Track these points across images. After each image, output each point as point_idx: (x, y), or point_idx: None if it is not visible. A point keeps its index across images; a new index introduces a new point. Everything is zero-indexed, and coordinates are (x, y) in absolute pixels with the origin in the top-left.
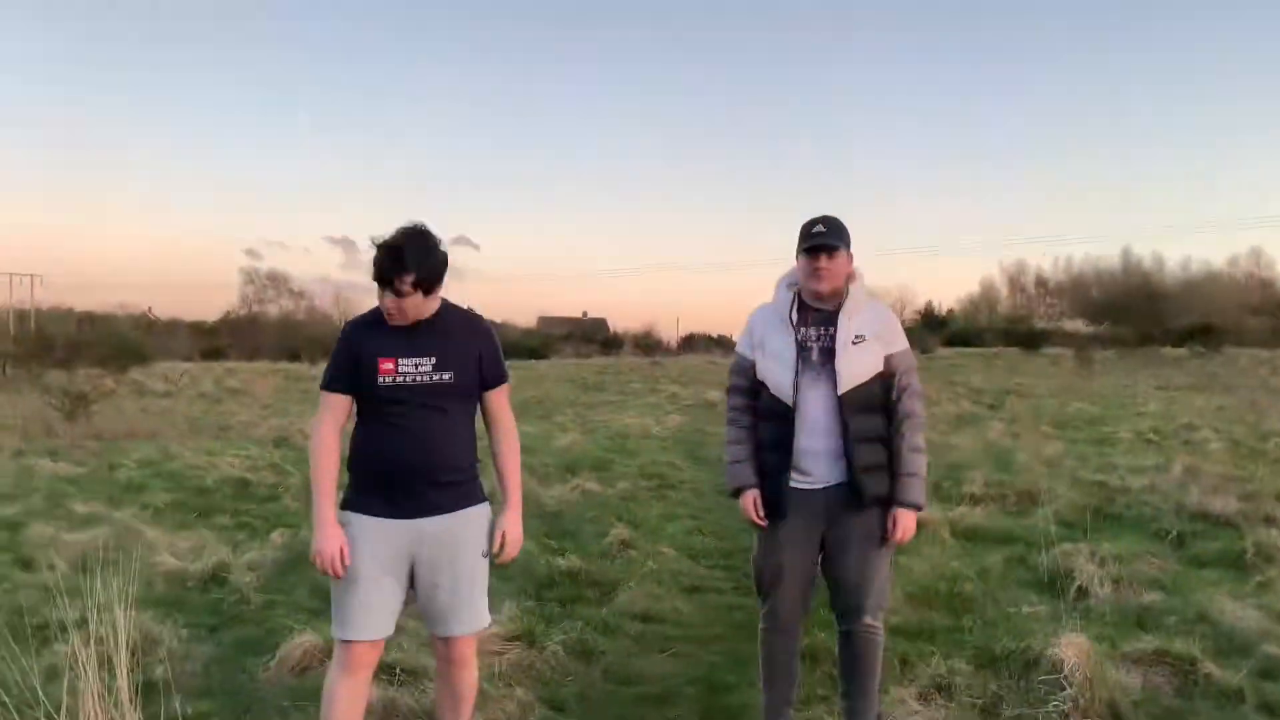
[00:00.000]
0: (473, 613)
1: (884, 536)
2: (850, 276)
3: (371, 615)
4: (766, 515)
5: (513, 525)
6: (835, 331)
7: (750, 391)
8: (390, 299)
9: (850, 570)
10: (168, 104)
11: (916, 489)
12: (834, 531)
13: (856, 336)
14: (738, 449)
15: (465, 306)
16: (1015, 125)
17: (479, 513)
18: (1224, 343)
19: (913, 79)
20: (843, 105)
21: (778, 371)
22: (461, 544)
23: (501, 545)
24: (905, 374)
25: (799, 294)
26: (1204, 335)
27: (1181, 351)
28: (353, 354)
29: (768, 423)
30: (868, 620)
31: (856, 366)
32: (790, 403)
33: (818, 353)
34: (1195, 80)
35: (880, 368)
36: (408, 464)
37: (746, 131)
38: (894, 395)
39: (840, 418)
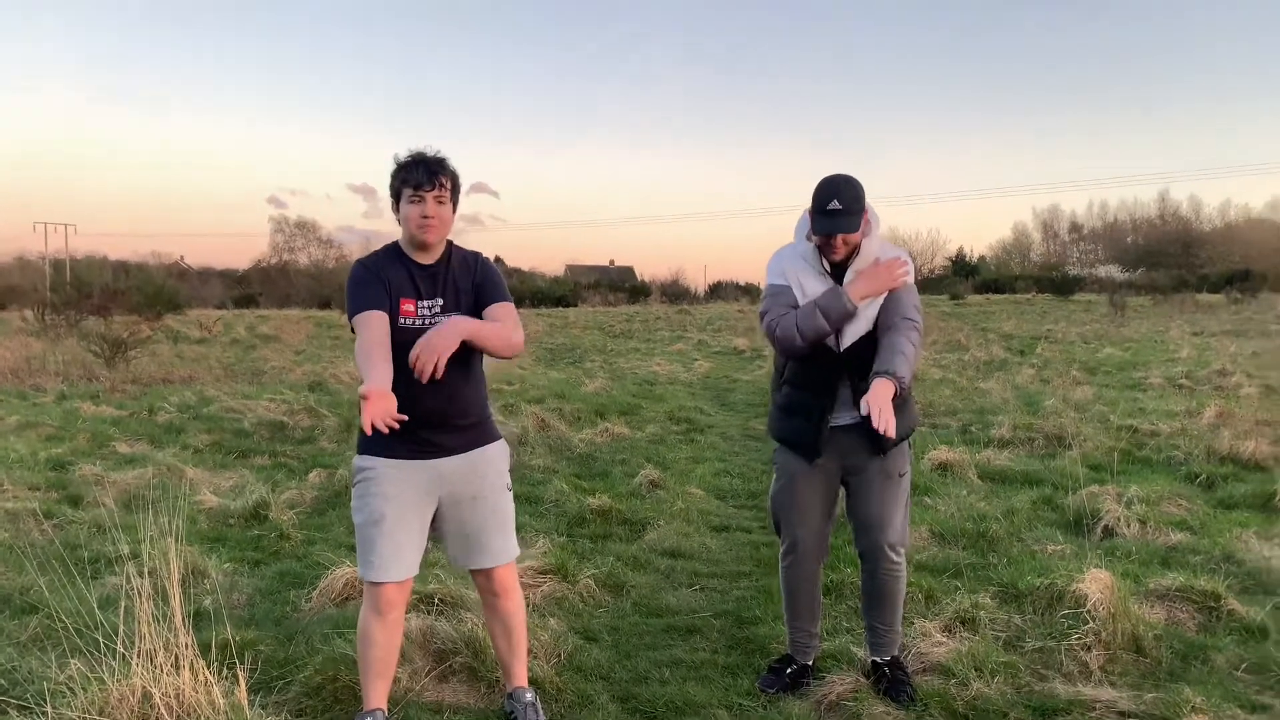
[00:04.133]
0: (504, 543)
1: (902, 473)
2: (864, 230)
3: (399, 556)
4: (804, 456)
5: (446, 332)
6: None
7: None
8: (431, 202)
9: (872, 509)
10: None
11: (899, 363)
12: (853, 471)
13: None
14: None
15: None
16: (1050, 64)
17: (497, 448)
18: (1262, 288)
19: (942, 20)
20: (871, 46)
21: None
22: (482, 479)
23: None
24: (904, 310)
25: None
26: (1241, 281)
27: (1218, 297)
28: (383, 282)
29: (808, 364)
30: (892, 557)
31: (858, 323)
32: (835, 345)
33: None
34: (1237, 15)
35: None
36: (424, 410)
37: (773, 77)
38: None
39: (848, 376)
